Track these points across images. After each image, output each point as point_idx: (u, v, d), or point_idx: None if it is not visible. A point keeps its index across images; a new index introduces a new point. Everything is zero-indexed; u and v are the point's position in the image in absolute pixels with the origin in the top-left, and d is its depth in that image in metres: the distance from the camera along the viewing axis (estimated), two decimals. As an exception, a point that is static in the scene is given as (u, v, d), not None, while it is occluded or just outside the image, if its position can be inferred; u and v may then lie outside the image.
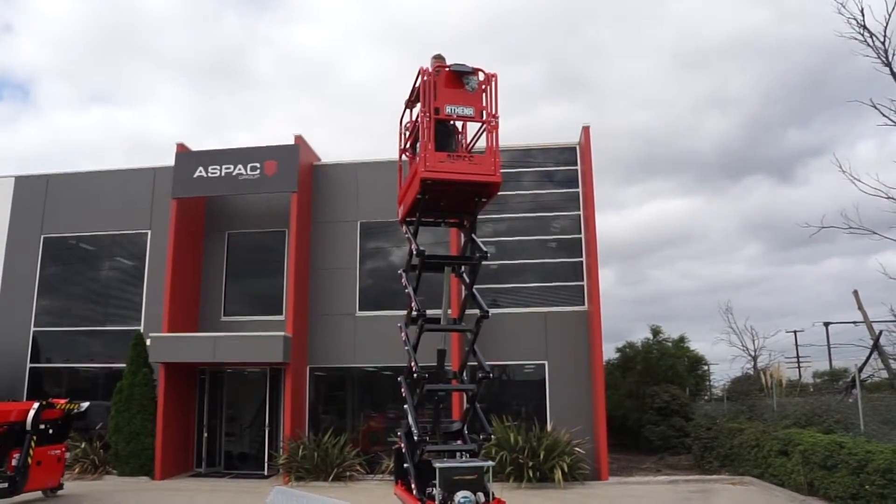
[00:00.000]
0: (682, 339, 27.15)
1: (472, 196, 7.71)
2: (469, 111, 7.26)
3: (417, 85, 7.64)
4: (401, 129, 8.81)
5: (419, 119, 7.37)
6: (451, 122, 7.60)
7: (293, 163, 18.61)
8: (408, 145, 8.66)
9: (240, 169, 18.64)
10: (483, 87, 7.31)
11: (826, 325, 39.00)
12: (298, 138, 19.01)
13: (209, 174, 18.72)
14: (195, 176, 18.76)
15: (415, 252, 7.77)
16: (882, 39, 15.92)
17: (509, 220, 19.06)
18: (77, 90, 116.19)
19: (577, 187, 19.02)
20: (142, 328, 18.90)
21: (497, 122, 7.28)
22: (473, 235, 7.99)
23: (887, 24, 15.85)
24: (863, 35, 16.11)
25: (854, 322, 30.81)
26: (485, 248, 7.73)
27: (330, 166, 20.21)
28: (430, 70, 7.20)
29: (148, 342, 17.70)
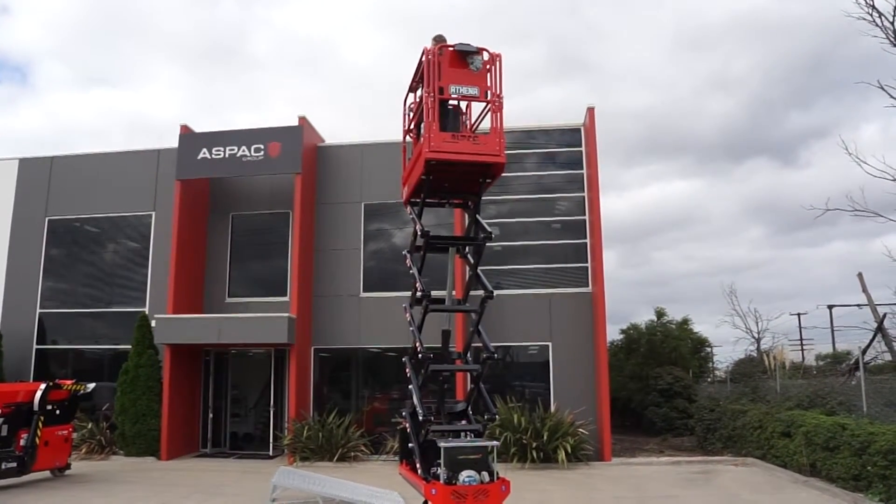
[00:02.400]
0: (685, 322, 27.18)
1: (476, 177, 7.70)
2: (473, 91, 7.24)
3: (421, 66, 7.61)
4: (405, 110, 8.78)
5: (423, 99, 7.32)
6: (456, 103, 7.58)
7: (297, 144, 18.59)
8: (412, 126, 8.64)
9: (243, 150, 18.62)
10: (487, 66, 7.27)
11: (830, 307, 39.08)
12: (302, 119, 18.97)
13: (213, 156, 18.71)
14: (199, 157, 18.74)
15: (419, 233, 7.77)
16: (891, 20, 15.80)
17: (513, 201, 19.02)
18: (75, 72, 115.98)
19: (582, 169, 18.97)
20: (147, 310, 18.96)
21: (501, 103, 7.25)
22: (478, 216, 7.99)
23: (896, 4, 15.71)
24: (871, 15, 16.00)
25: (858, 305, 30.85)
26: (489, 229, 7.74)
27: (334, 148, 20.17)
28: (434, 50, 7.15)
29: (153, 323, 17.76)
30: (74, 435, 16.15)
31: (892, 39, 15.83)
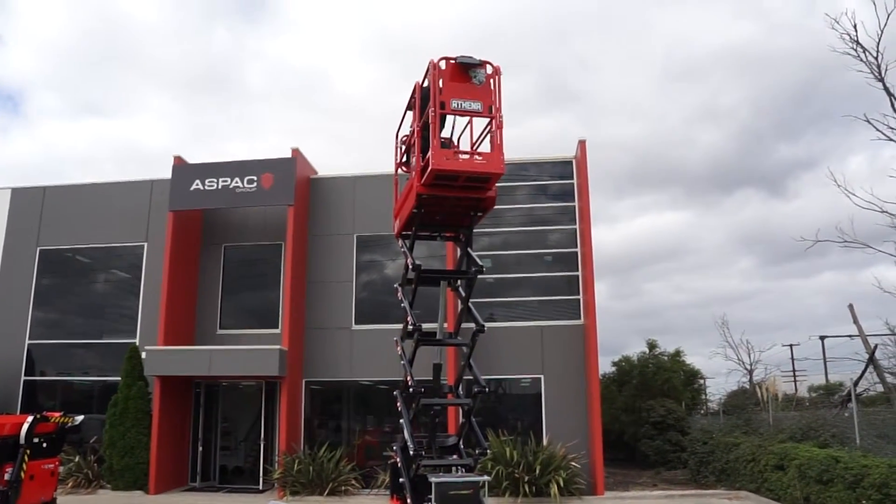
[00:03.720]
0: (677, 353, 27.12)
1: (468, 210, 7.75)
2: (476, 106, 7.05)
3: (414, 96, 7.65)
4: (397, 142, 8.85)
5: (416, 121, 7.22)
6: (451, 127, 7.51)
7: (290, 176, 18.64)
8: (403, 159, 8.70)
9: (237, 182, 18.65)
10: (490, 80, 7.10)
11: (822, 338, 38.99)
12: (295, 151, 19.04)
13: (206, 187, 18.73)
14: (192, 189, 18.76)
15: (411, 266, 7.79)
16: (875, 55, 16.07)
17: (505, 233, 19.06)
18: (68, 101, 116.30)
19: (574, 201, 19.05)
20: (137, 341, 18.84)
21: (502, 118, 7.09)
22: (469, 249, 8.02)
23: (880, 39, 16.00)
24: (856, 50, 16.26)
25: (850, 336, 30.85)
26: (480, 262, 7.76)
27: (327, 179, 20.24)
28: (436, 63, 7.00)
29: (143, 355, 17.64)
30: (61, 469, 15.91)
31: (876, 74, 16.08)
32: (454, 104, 6.92)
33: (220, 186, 18.70)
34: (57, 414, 14.91)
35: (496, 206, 8.17)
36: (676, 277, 78.22)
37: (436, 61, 6.95)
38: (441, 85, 6.90)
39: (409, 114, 8.04)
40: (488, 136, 7.24)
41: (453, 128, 7.58)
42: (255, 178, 18.64)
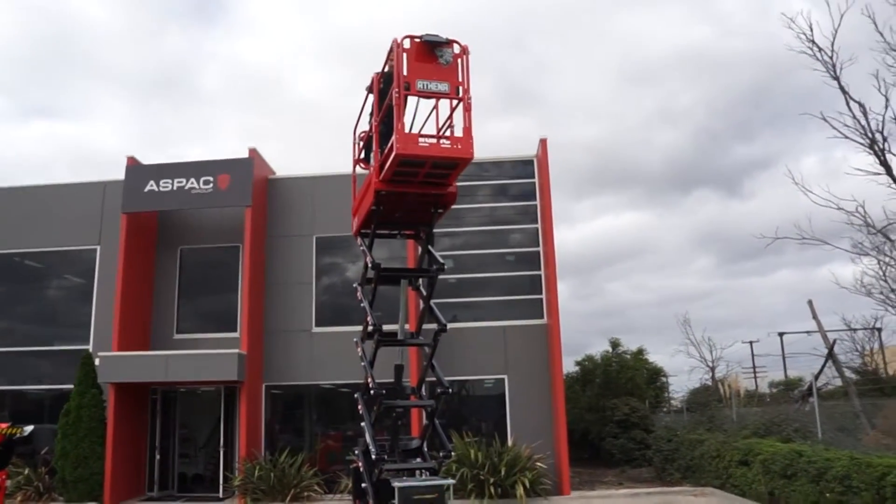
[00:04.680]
0: (640, 352, 27.24)
1: (428, 206, 7.55)
2: (444, 87, 6.64)
3: (371, 90, 7.42)
4: (355, 138, 8.62)
5: (389, 95, 6.77)
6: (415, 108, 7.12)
7: (247, 176, 18.25)
8: (362, 155, 8.47)
9: (192, 183, 18.21)
10: (457, 60, 6.72)
11: (780, 335, 39.54)
12: (252, 151, 18.66)
13: (161, 188, 18.26)
14: (146, 190, 18.27)
15: (370, 265, 7.56)
16: (830, 54, 16.29)
17: (466, 234, 18.91)
18: (16, 103, 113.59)
19: (535, 200, 18.97)
20: (90, 348, 18.27)
21: (471, 100, 6.69)
22: (430, 247, 7.82)
23: (834, 38, 16.21)
24: (812, 50, 16.48)
25: (807, 332, 31.29)
26: (441, 260, 7.56)
27: (285, 180, 19.89)
28: (400, 41, 6.62)
29: (97, 362, 17.10)
30: (8, 482, 15.39)
31: (832, 73, 16.29)
32: (419, 85, 6.52)
33: (175, 188, 18.25)
34: (4, 425, 14.38)
35: (457, 207, 7.95)
36: (636, 277, 78.91)
37: (399, 40, 6.61)
38: (406, 65, 6.54)
39: (369, 107, 7.81)
40: (452, 121, 6.94)
41: (415, 115, 7.20)
42: (211, 178, 18.23)
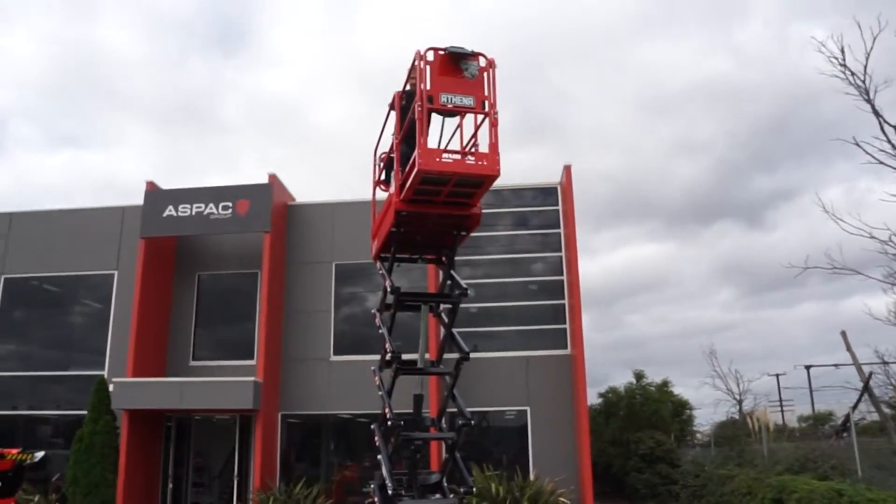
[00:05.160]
0: (665, 384, 26.59)
1: (451, 228, 7.20)
2: (469, 101, 6.25)
3: (392, 108, 7.14)
4: (375, 158, 8.33)
5: (411, 111, 6.45)
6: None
7: (266, 202, 18.07)
8: (382, 176, 8.17)
9: (211, 208, 18.06)
10: (483, 74, 6.35)
11: (807, 368, 38.70)
12: (272, 177, 18.49)
13: (179, 213, 18.12)
14: (165, 215, 18.14)
15: (389, 289, 7.20)
16: (863, 77, 15.88)
17: (488, 262, 18.58)
18: (45, 132, 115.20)
19: (559, 228, 18.64)
20: (106, 373, 18.02)
21: (497, 115, 6.32)
22: (452, 272, 7.47)
23: (867, 62, 15.83)
24: (844, 73, 16.08)
25: (835, 365, 30.50)
26: (465, 285, 7.20)
27: (305, 206, 19.69)
28: (423, 53, 6.27)
29: (111, 387, 16.84)
30: (20, 509, 15.07)
31: (865, 97, 15.88)
32: (443, 99, 6.17)
33: (193, 213, 18.10)
34: (14, 451, 14.08)
35: (478, 235, 7.59)
36: (657, 309, 78.04)
37: (423, 52, 6.27)
38: (429, 78, 6.20)
39: (390, 127, 7.52)
40: (477, 138, 6.57)
41: (441, 134, 6.90)
42: (230, 204, 18.06)
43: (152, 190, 18.65)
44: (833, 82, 16.03)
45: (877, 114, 15.84)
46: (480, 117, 6.44)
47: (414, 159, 6.13)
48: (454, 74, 6.27)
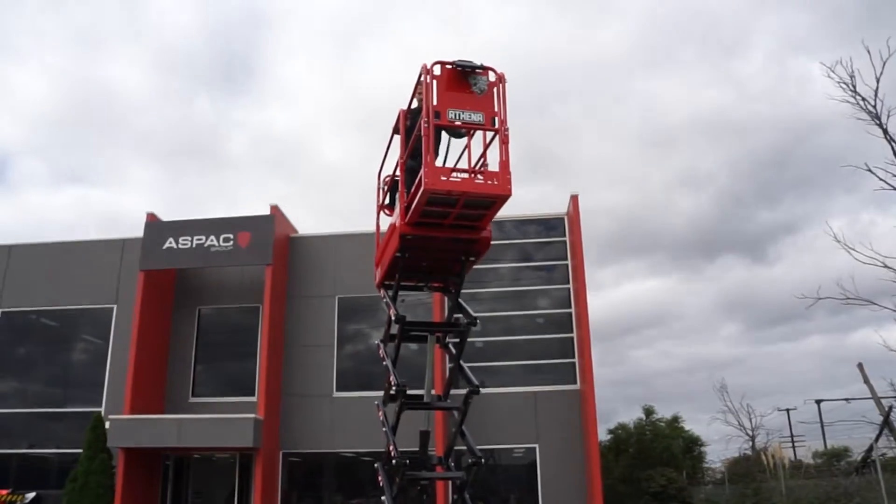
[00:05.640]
0: (675, 419, 26.03)
1: (458, 254, 6.83)
2: (478, 117, 5.88)
3: (397, 127, 6.81)
4: (378, 183, 8.00)
5: (417, 128, 6.11)
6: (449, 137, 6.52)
7: (268, 234, 17.76)
8: (386, 201, 7.84)
9: (212, 240, 17.75)
10: (492, 89, 5.99)
11: (818, 402, 38.07)
12: (274, 208, 18.21)
13: (180, 245, 17.80)
14: (165, 247, 17.82)
15: (393, 318, 6.80)
16: (873, 103, 15.65)
17: (493, 295, 18.18)
18: (51, 168, 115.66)
19: (566, 259, 18.26)
20: (102, 410, 17.56)
21: (508, 132, 5.95)
22: (460, 300, 7.08)
23: (877, 87, 15.59)
24: (855, 98, 15.87)
25: (847, 399, 29.99)
26: (474, 314, 6.81)
27: (307, 238, 19.39)
28: (430, 68, 5.92)
29: (107, 425, 16.36)
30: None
31: (877, 121, 15.63)
32: (451, 115, 5.80)
33: (194, 245, 17.79)
34: (4, 492, 13.64)
35: (483, 267, 7.21)
36: (663, 343, 77.29)
37: (429, 66, 5.92)
38: (435, 93, 5.84)
39: (395, 149, 7.20)
40: (486, 157, 6.22)
41: (447, 154, 6.52)
42: (231, 236, 17.75)
43: (153, 221, 18.35)
44: (843, 108, 15.80)
45: (890, 139, 15.56)
46: (490, 135, 6.10)
47: (420, 178, 5.77)
48: (462, 90, 5.92)
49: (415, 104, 6.68)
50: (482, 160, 6.26)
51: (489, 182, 5.84)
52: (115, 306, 18.73)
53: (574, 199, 17.94)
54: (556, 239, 18.62)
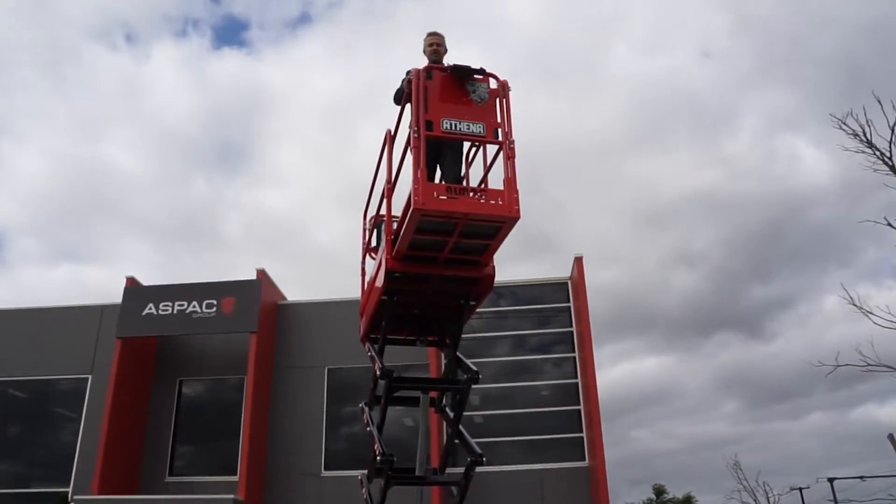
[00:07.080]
0: (689, 499, 24.52)
1: (457, 298, 5.78)
2: (478, 128, 5.00)
3: (388, 136, 5.86)
4: (364, 223, 7.05)
5: (408, 136, 5.18)
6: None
7: (254, 300, 16.76)
8: (373, 242, 6.86)
9: (194, 306, 16.72)
10: (494, 97, 5.12)
11: (831, 480, 36.84)
12: (260, 273, 17.27)
13: (160, 311, 16.75)
14: (144, 313, 16.76)
15: (379, 373, 5.71)
16: (889, 154, 15.19)
17: (493, 365, 17.05)
18: (46, 246, 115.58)
19: (570, 326, 17.23)
20: (70, 490, 16.16)
21: (513, 146, 5.01)
22: (459, 354, 6.02)
23: (892, 136, 15.14)
24: (871, 148, 15.42)
25: (861, 477, 28.71)
26: (475, 368, 5.73)
27: (295, 305, 18.46)
28: (420, 71, 5.05)
29: (72, 507, 14.98)
30: None
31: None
32: (445, 125, 4.89)
33: (175, 311, 16.75)
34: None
35: (483, 335, 6.17)
36: (662, 423, 75.82)
37: (420, 69, 5.04)
38: (427, 101, 4.93)
39: (381, 180, 6.24)
40: (487, 180, 5.22)
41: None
42: (214, 302, 16.74)
43: (132, 286, 17.31)
44: (859, 159, 15.25)
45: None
46: (491, 150, 5.16)
47: (409, 199, 4.78)
48: (459, 97, 5.04)
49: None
50: (484, 180, 5.26)
51: (493, 202, 4.85)
52: (90, 376, 17.53)
53: (578, 261, 17.03)
54: (559, 304, 17.63)
